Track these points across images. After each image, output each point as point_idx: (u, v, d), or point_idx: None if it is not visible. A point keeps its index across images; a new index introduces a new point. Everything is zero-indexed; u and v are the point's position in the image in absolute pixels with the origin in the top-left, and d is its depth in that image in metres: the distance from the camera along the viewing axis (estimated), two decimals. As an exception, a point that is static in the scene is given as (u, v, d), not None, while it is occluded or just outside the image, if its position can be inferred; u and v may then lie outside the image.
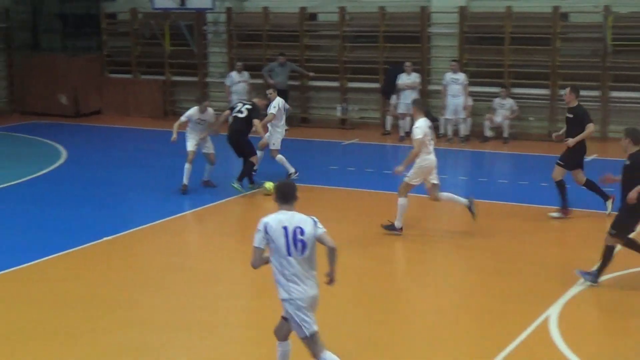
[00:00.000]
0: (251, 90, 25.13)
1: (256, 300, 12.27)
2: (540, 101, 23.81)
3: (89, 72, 28.60)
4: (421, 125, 14.20)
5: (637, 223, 12.14)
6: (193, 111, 17.96)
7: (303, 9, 25.77)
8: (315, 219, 8.58)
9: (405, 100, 23.29)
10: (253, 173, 17.93)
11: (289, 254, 8.37)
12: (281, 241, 8.38)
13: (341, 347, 9.39)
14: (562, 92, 18.08)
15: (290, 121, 25.84)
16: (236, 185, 17.40)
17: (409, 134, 23.34)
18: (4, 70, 29.05)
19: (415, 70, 23.76)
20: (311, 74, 25.61)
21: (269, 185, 17.04)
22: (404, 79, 23.70)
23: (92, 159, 21.49)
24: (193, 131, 17.96)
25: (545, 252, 13.96)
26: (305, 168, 20.25)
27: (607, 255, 11.90)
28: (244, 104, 18.17)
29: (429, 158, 14.30)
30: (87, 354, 10.12)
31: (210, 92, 27.70)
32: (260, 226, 8.45)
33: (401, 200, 14.33)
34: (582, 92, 16.30)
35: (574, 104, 15.15)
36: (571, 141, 14.98)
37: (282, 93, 25.49)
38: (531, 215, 15.84)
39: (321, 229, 8.50)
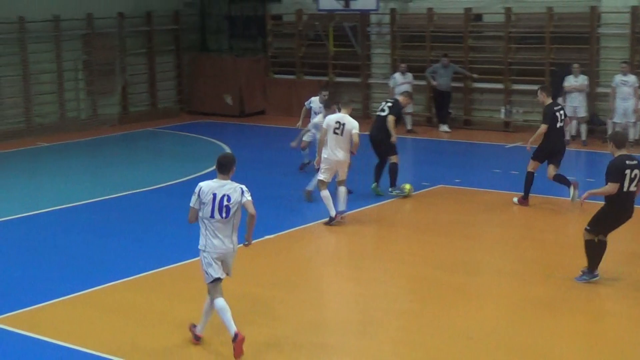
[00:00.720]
0: (415, 92, 25.33)
1: (412, 303, 12.43)
2: None
3: (254, 73, 29.39)
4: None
5: (613, 224, 12.46)
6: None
7: (468, 9, 25.75)
8: (244, 188, 10.25)
9: (572, 103, 22.96)
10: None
11: (212, 216, 10.13)
12: (208, 205, 10.12)
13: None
14: None
15: (453, 123, 25.98)
16: (395, 192, 17.57)
17: (574, 137, 23.18)
18: (173, 71, 30.07)
19: (583, 72, 23.38)
20: (475, 75, 25.57)
21: (408, 187, 17.59)
22: (571, 81, 23.36)
23: (256, 158, 22.09)
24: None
25: None
26: (468, 171, 20.35)
27: (589, 250, 12.43)
28: (387, 102, 18.18)
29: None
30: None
31: (372, 94, 28.06)
32: (196, 189, 10.31)
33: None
34: None
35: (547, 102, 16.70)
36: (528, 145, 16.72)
37: (445, 95, 25.71)
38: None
39: (246, 198, 10.15)
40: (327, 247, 15.20)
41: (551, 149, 16.56)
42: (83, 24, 26.93)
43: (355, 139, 15.35)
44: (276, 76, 29.64)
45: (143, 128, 27.06)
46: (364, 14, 27.14)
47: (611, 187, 12.04)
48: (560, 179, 16.47)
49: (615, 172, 12.04)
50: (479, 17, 26.22)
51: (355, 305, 12.16)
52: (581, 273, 12.58)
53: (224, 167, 10.40)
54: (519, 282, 12.91)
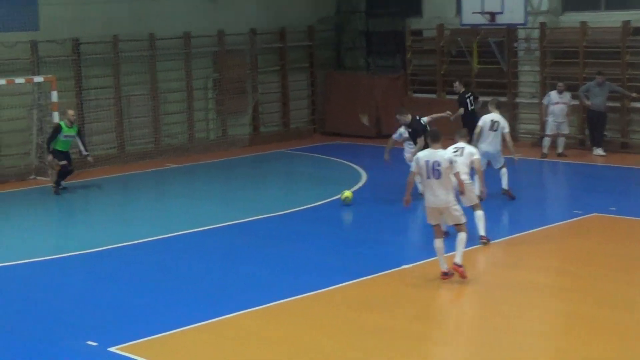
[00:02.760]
0: (569, 113, 25.14)
1: (567, 342, 12.27)
2: None
3: (392, 91, 29.55)
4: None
5: None
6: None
7: (626, 23, 25.32)
8: (452, 158, 13.92)
9: None
10: None
11: (428, 177, 13.71)
12: (424, 169, 13.67)
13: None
14: None
15: (608, 146, 25.56)
16: None
17: None
18: (306, 90, 30.50)
19: None
20: (634, 94, 25.11)
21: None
22: None
23: (393, 182, 22.16)
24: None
25: None
26: (625, 198, 20.05)
27: None
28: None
29: None
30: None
31: (520, 114, 27.85)
32: (414, 159, 14.11)
33: None
34: None
35: None
36: None
37: (600, 116, 25.32)
38: None
39: (455, 162, 13.92)
40: (473, 277, 15.12)
41: None
42: (214, 41, 27.62)
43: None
44: (416, 95, 29.69)
45: (274, 149, 27.50)
46: (511, 29, 27.00)
47: None
48: None
49: None
50: (637, 30, 25.75)
51: (504, 343, 12.06)
52: None
53: (437, 138, 14.06)
54: None
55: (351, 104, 29.37)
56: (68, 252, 16.58)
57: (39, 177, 23.14)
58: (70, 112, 21.52)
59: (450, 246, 14.28)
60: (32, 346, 11.86)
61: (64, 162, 20.92)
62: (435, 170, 13.71)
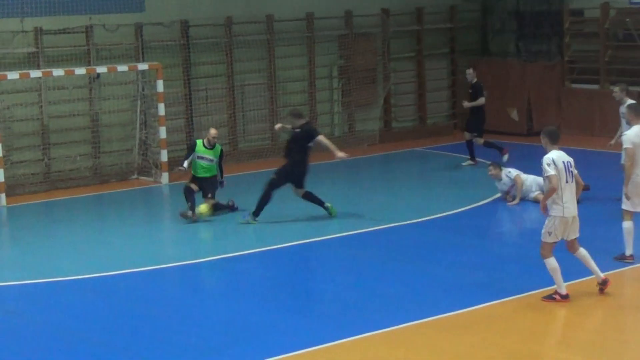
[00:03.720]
0: None
1: None
2: None
3: (546, 82, 29.28)
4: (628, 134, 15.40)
5: None
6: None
7: None
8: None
9: None
10: None
11: (567, 182, 13.54)
12: (563, 171, 13.49)
13: None
14: None
15: None
16: None
17: None
18: (447, 79, 30.46)
19: None
20: None
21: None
22: None
23: None
24: None
25: None
26: None
27: None
28: None
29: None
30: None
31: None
32: (549, 161, 13.49)
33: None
34: None
35: None
36: None
37: None
38: None
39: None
40: (624, 302, 14.80)
41: None
42: (340, 23, 27.77)
43: None
44: (574, 85, 29.39)
45: (408, 148, 27.45)
46: (690, 7, 26.44)
47: None
48: None
49: None
50: None
51: None
52: None
53: (557, 138, 13.80)
54: None
55: (499, 96, 29.07)
56: (181, 262, 16.85)
57: (142, 177, 23.54)
58: (213, 131, 20.22)
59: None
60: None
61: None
62: (570, 172, 13.64)
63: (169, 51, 24.85)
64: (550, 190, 13.50)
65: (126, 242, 18.39)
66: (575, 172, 13.72)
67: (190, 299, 14.91)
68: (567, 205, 13.53)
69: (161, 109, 23.33)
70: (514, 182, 20.13)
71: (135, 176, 23.85)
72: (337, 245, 17.57)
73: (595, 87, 28.69)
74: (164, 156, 23.19)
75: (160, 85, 23.43)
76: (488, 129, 28.80)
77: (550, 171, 13.42)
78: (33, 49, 23.07)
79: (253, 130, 26.58)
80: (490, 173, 20.46)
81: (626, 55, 28.00)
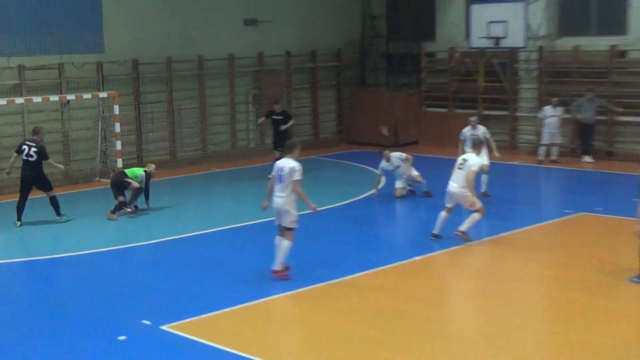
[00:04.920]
0: (562, 125, 25.15)
1: (551, 323, 12.40)
2: None
3: (409, 106, 29.64)
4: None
5: None
6: (466, 129, 19.71)
7: (613, 46, 25.32)
8: (297, 168, 13.48)
9: None
10: None
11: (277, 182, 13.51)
12: (277, 175, 13.47)
13: None
14: None
15: (596, 154, 25.50)
16: None
17: None
18: (334, 104, 30.63)
19: None
20: (619, 109, 25.09)
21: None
22: None
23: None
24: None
25: None
26: (610, 200, 19.99)
27: None
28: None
29: None
30: None
31: (519, 126, 27.90)
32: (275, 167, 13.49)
33: None
34: None
35: None
36: None
37: (589, 127, 25.31)
38: None
39: (296, 176, 13.47)
40: (468, 268, 15.25)
41: None
42: (254, 62, 27.86)
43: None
44: (429, 109, 29.80)
45: (306, 156, 27.47)
46: (513, 51, 27.07)
47: None
48: None
49: None
50: (623, 53, 25.72)
51: (493, 322, 12.23)
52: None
53: (289, 149, 13.69)
54: None
55: (373, 117, 29.51)
56: (127, 244, 16.90)
57: (102, 179, 23.45)
58: (152, 165, 20.07)
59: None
60: (95, 323, 12.12)
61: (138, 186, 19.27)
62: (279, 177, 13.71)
63: (123, 83, 24.73)
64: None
65: (92, 227, 18.37)
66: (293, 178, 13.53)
67: (140, 272, 15.00)
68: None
69: (117, 127, 23.27)
70: (406, 161, 20.25)
71: (97, 178, 23.74)
72: (254, 230, 17.69)
73: (444, 110, 29.21)
74: (119, 163, 23.11)
75: (116, 109, 23.37)
76: (364, 141, 29.31)
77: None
78: (17, 81, 22.83)
79: (188, 144, 26.59)
80: (384, 153, 20.49)
81: (467, 87, 28.58)
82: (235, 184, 23.47)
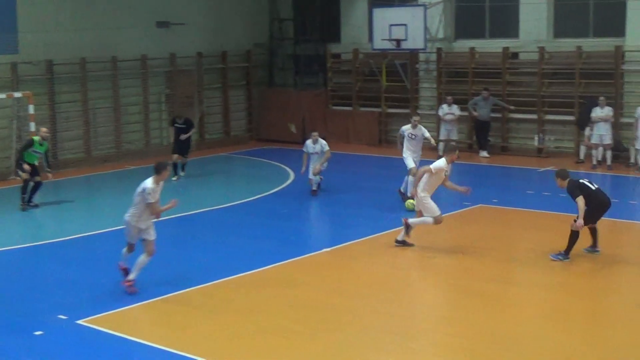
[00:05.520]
0: (459, 122, 25.49)
1: (456, 311, 12.46)
2: None
3: (315, 105, 29.61)
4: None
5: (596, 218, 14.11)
6: (405, 127, 19.03)
7: (506, 48, 25.70)
8: (145, 188, 12.50)
9: (598, 131, 22.86)
10: None
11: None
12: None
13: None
14: None
15: (491, 149, 25.93)
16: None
17: (600, 162, 22.96)
18: (244, 103, 30.39)
19: (608, 104, 23.26)
20: (512, 107, 25.49)
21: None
22: (597, 112, 23.20)
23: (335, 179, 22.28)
24: (408, 149, 18.78)
25: None
26: (505, 192, 20.32)
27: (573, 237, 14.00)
28: None
29: None
30: (307, 352, 10.68)
31: (419, 123, 28.04)
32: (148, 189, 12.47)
33: None
34: None
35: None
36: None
37: (485, 124, 25.70)
38: None
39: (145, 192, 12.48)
40: (378, 261, 15.27)
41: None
42: (166, 63, 27.43)
43: None
44: (335, 107, 29.82)
45: (217, 153, 27.46)
46: (414, 53, 27.22)
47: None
48: None
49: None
50: (515, 55, 26.15)
51: (405, 312, 12.25)
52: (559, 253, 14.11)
53: (157, 169, 12.65)
54: (552, 293, 12.94)
55: (281, 115, 29.38)
56: (41, 241, 16.44)
57: (18, 177, 22.74)
58: (43, 129, 19.89)
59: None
60: (10, 318, 11.78)
61: (26, 177, 19.01)
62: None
63: (38, 83, 24.01)
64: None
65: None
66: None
67: (54, 269, 14.59)
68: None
69: (32, 126, 22.56)
70: (323, 150, 20.05)
71: (12, 176, 22.99)
72: (169, 225, 17.23)
73: (349, 108, 29.27)
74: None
75: (31, 109, 22.67)
76: (273, 139, 29.18)
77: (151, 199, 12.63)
78: None
79: (103, 142, 26.02)
80: (313, 134, 20.37)
81: (370, 86, 28.68)
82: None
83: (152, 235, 12.83)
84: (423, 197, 15.01)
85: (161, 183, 12.81)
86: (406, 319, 11.78)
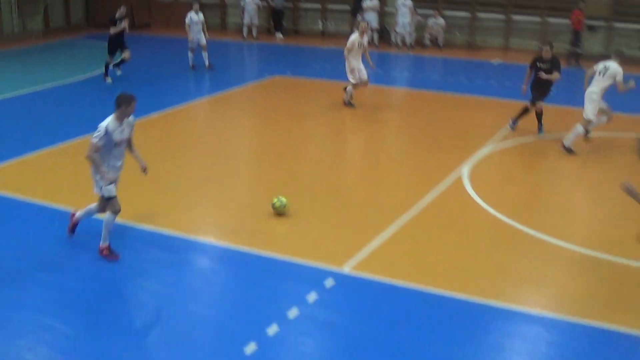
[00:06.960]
0: (262, 10, 25.34)
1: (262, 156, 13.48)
2: (463, 20, 24.93)
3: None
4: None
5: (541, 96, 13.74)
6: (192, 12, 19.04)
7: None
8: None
9: (368, 18, 23.58)
10: None
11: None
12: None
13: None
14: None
15: (287, 32, 26.91)
16: None
17: (369, 42, 25.02)
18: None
19: (376, -3, 24.27)
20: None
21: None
22: (367, 3, 24.56)
23: (147, 56, 22.09)
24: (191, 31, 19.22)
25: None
26: (295, 65, 21.27)
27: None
28: None
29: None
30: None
31: (228, 10, 27.78)
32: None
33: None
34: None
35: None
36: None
37: (280, 12, 26.34)
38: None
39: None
40: (200, 121, 15.47)
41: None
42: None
43: None
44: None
45: (60, 39, 26.41)
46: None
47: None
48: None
49: None
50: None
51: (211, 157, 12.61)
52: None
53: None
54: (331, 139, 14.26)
55: (114, 3, 27.06)
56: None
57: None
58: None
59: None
60: None
61: None
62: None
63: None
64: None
65: None
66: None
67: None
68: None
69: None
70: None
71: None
72: (16, 102, 16.31)
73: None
74: None
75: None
76: (106, 24, 27.30)
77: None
78: None
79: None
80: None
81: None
82: (2, 62, 21.84)
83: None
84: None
85: None
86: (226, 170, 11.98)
